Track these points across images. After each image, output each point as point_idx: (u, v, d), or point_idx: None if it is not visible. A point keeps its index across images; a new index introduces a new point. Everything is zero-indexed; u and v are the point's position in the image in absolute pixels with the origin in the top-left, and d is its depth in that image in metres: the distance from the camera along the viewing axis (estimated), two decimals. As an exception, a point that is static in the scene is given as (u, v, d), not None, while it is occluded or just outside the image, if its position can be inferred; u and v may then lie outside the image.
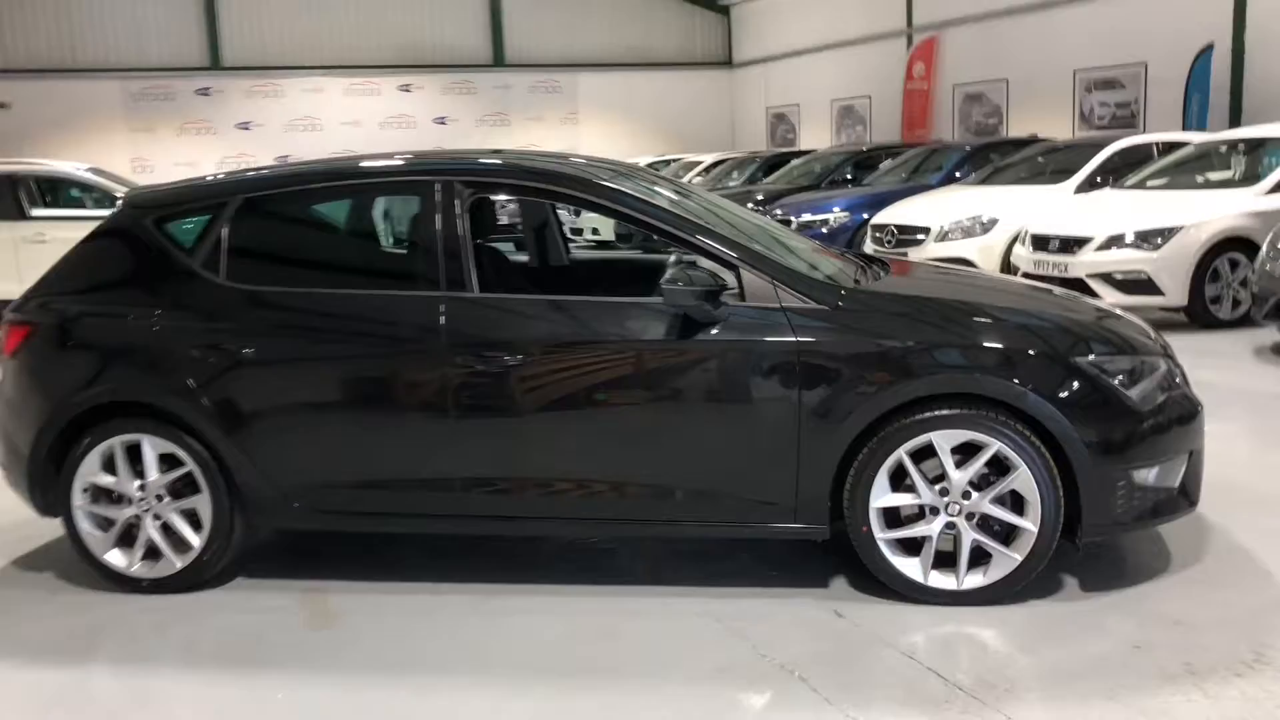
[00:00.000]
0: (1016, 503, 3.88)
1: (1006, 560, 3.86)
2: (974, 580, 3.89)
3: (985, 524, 3.91)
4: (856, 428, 3.83)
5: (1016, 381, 3.78)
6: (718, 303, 3.87)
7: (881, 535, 3.91)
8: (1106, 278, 9.09)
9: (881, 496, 3.88)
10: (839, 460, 3.87)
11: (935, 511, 3.88)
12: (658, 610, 3.97)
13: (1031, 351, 3.83)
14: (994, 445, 3.80)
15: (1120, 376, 3.87)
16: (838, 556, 4.09)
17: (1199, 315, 8.98)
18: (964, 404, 3.81)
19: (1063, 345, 3.88)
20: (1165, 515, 3.97)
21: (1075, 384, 3.81)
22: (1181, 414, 3.98)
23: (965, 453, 3.87)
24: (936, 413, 3.81)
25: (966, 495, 3.84)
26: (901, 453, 3.84)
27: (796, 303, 3.91)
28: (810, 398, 3.84)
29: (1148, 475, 3.88)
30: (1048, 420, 3.77)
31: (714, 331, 3.88)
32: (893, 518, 3.96)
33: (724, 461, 3.94)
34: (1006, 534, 3.92)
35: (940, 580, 3.91)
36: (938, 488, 3.87)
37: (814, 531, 3.96)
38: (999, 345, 3.84)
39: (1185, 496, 4.03)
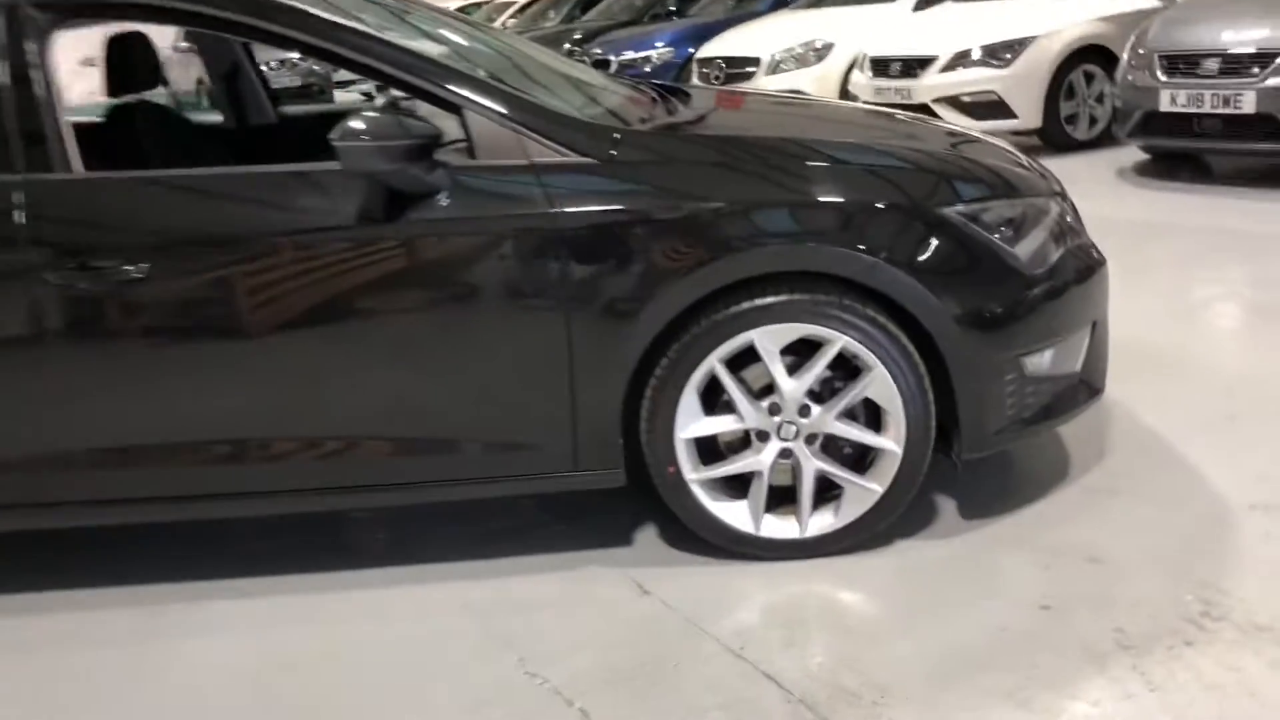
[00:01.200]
0: (873, 415, 2.83)
1: (863, 493, 2.83)
2: (822, 523, 2.86)
3: (833, 447, 2.87)
4: (649, 332, 2.70)
5: (863, 249, 2.68)
6: (430, 163, 2.62)
7: (694, 475, 2.82)
8: (953, 101, 8.12)
9: (691, 423, 2.78)
10: (629, 378, 2.74)
11: (764, 437, 2.81)
12: (397, 608, 2.83)
13: (881, 204, 2.73)
14: (837, 340, 2.72)
15: (1001, 229, 2.81)
16: (645, 502, 3.00)
17: (1054, 137, 8.10)
18: (794, 286, 2.71)
19: (922, 192, 2.78)
20: (1065, 412, 2.98)
21: (941, 245, 2.72)
22: (1080, 273, 2.95)
23: (800, 354, 2.79)
24: (757, 302, 2.70)
25: (805, 411, 2.78)
26: (714, 361, 2.73)
27: (552, 157, 2.70)
28: (580, 293, 2.68)
29: (1042, 360, 2.87)
30: (908, 299, 2.70)
31: (430, 207, 2.66)
32: (711, 449, 2.88)
33: (462, 396, 2.76)
34: (861, 458, 2.89)
35: (778, 527, 2.87)
36: (766, 404, 2.79)
37: (603, 478, 2.84)
38: (839, 199, 2.73)
39: (1087, 384, 3.05)
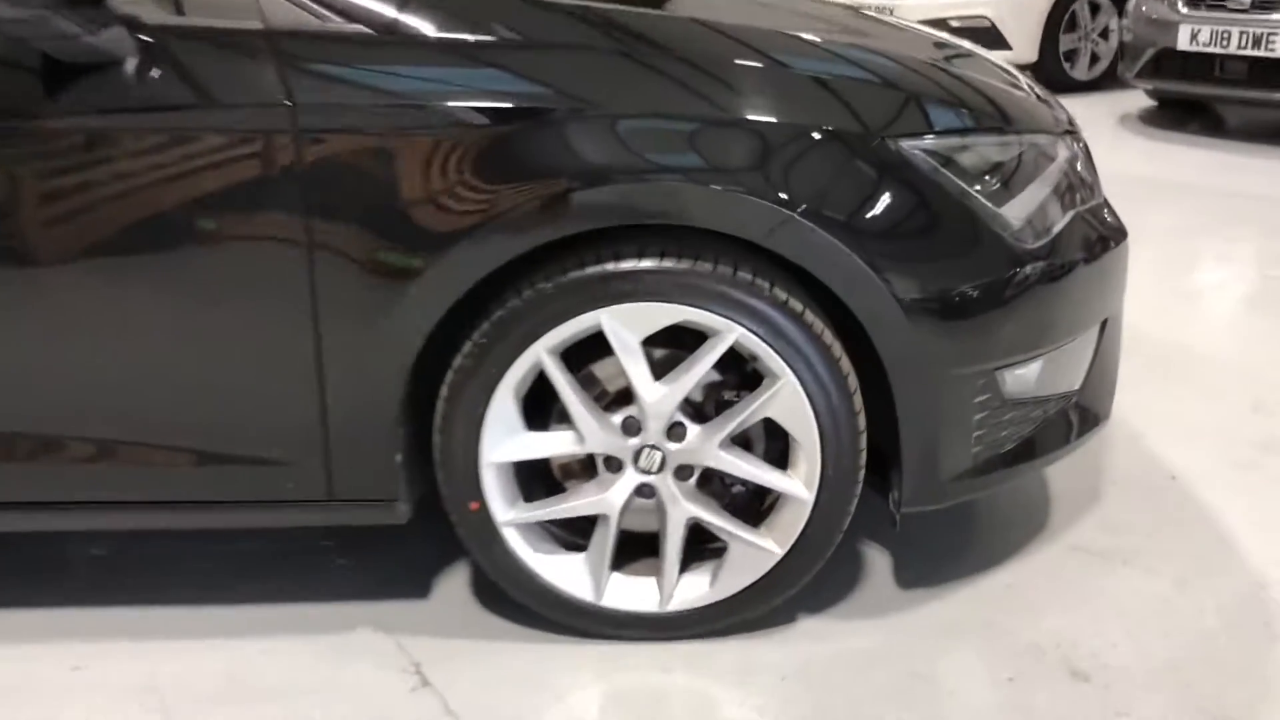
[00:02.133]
0: (776, 445, 1.94)
1: (755, 554, 1.93)
2: (693, 592, 1.96)
3: (716, 486, 1.98)
4: (439, 302, 1.77)
5: (774, 196, 1.75)
6: (93, 14, 1.65)
7: (508, 515, 1.92)
8: (940, 25, 7.09)
9: (504, 440, 1.87)
10: (409, 370, 1.82)
11: (616, 466, 1.91)
12: (51, 684, 1.92)
13: (814, 130, 1.80)
14: (728, 333, 1.80)
15: (984, 179, 1.89)
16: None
17: (1050, 74, 7.16)
18: (668, 248, 1.79)
19: (878, 116, 1.84)
20: (1054, 449, 2.07)
21: (894, 197, 1.80)
22: (1092, 249, 2.03)
23: (674, 347, 1.88)
24: (609, 268, 1.77)
25: (677, 433, 1.87)
26: (540, 352, 1.81)
27: (304, 20, 1.74)
28: (331, 238, 1.74)
29: (1027, 375, 1.96)
30: (836, 276, 1.78)
31: (101, 88, 1.69)
32: (542, 479, 1.98)
33: (154, 382, 1.83)
34: (756, 503, 2.00)
35: (629, 595, 1.97)
36: (619, 419, 1.88)
37: (371, 513, 1.93)
38: (755, 117, 1.79)
39: (1085, 410, 2.15)
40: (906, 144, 1.80)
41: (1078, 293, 1.98)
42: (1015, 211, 1.89)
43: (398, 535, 2.21)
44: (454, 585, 2.15)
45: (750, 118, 1.77)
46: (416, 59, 1.75)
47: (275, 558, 2.27)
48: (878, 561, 2.20)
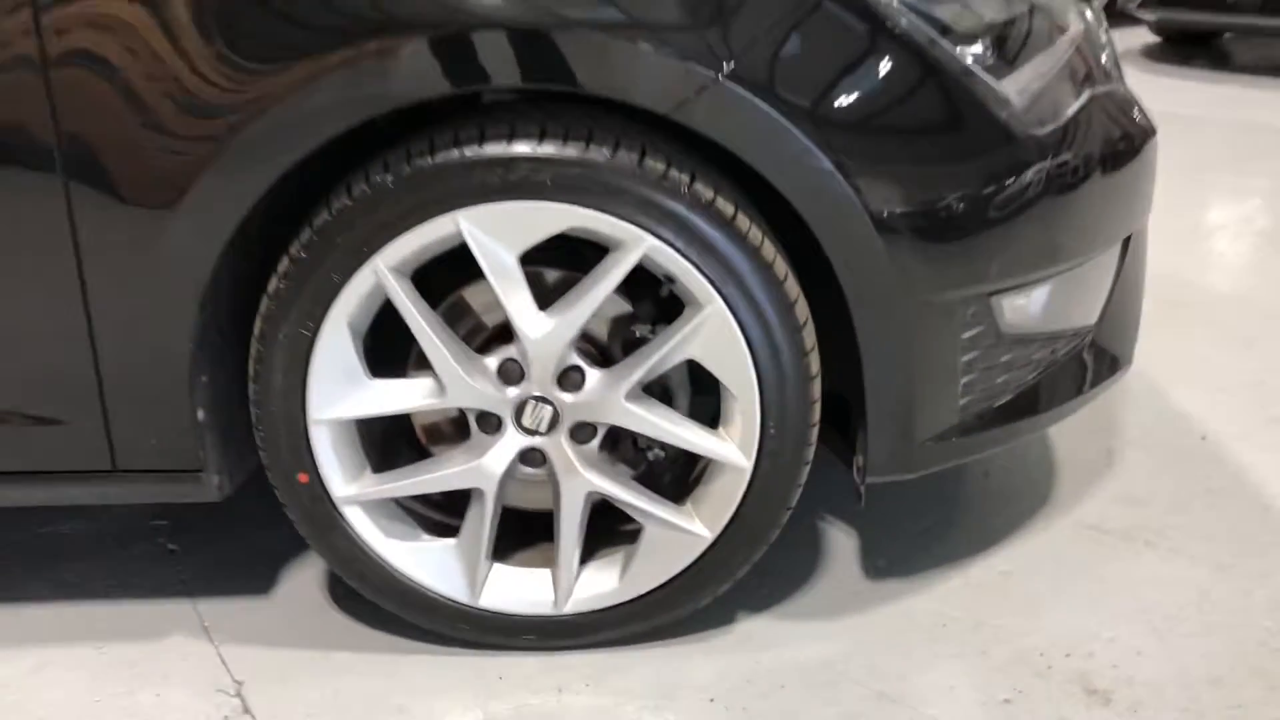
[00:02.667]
0: (706, 400, 1.49)
1: (677, 538, 1.48)
2: (597, 587, 1.50)
3: (626, 450, 1.52)
4: (233, 212, 1.30)
5: (706, 52, 1.27)
6: None
7: (348, 490, 1.46)
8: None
9: (338, 390, 1.40)
10: (200, 297, 1.35)
11: (494, 424, 1.44)
12: None
13: None
14: (635, 244, 1.33)
15: (979, 44, 1.41)
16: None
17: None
18: (550, 126, 1.31)
19: None
20: (1063, 401, 1.61)
21: (862, 63, 1.33)
22: (1113, 146, 1.56)
23: (566, 265, 1.43)
24: (474, 152, 1.30)
25: (571, 380, 1.41)
26: (379, 267, 1.34)
27: None
28: (83, 128, 1.27)
29: (1030, 305, 1.50)
30: (779, 168, 1.31)
31: None
32: (395, 445, 1.53)
33: None
34: (680, 473, 1.55)
35: (514, 593, 1.51)
36: (494, 362, 1.42)
37: (164, 488, 1.46)
38: None
39: (1103, 351, 1.69)
40: (872, -11, 1.33)
41: (1095, 198, 1.51)
42: (1017, 87, 1.42)
43: (249, 517, 1.76)
44: (306, 580, 1.70)
45: None
46: None
47: (92, 541, 1.81)
48: (838, 545, 1.75)
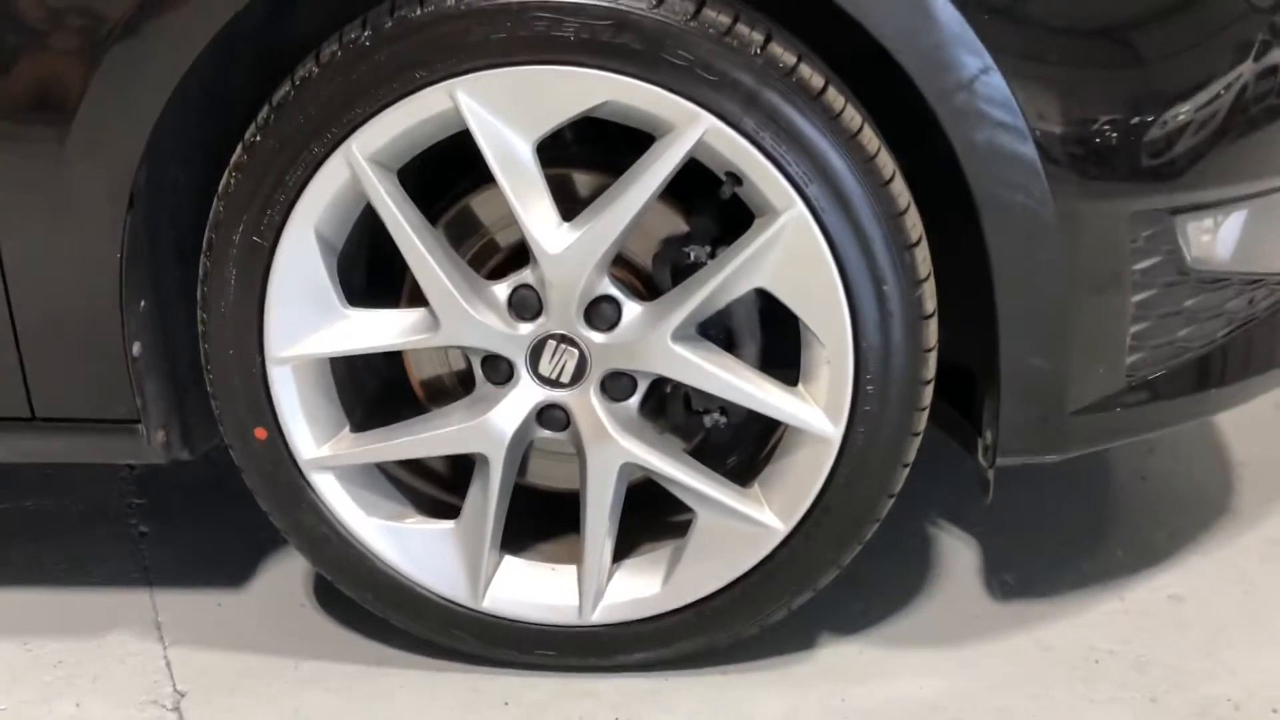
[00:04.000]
0: (779, 349, 1.13)
1: (740, 533, 1.12)
2: (634, 592, 1.16)
3: (674, 412, 1.17)
4: (160, 83, 1.00)
5: None
6: None
7: (319, 452, 1.13)
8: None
9: (306, 319, 1.09)
10: (127, 199, 1.05)
11: (504, 371, 1.11)
12: None
13: None
14: (692, 127, 0.98)
15: None
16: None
17: None
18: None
19: None
20: (1258, 369, 1.22)
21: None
22: None
23: (602, 167, 1.10)
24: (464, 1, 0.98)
25: (604, 313, 1.06)
26: (355, 156, 1.02)
27: None
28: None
29: (1227, 234, 1.12)
30: (906, 46, 0.96)
31: None
32: (386, 399, 1.21)
33: None
34: (748, 446, 1.20)
35: (528, 594, 1.18)
36: (505, 288, 1.08)
37: (103, 443, 1.16)
38: None
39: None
40: None
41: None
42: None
43: (242, 496, 1.46)
44: (288, 574, 1.39)
45: None
46: None
47: (53, 519, 1.53)
48: (954, 555, 1.38)
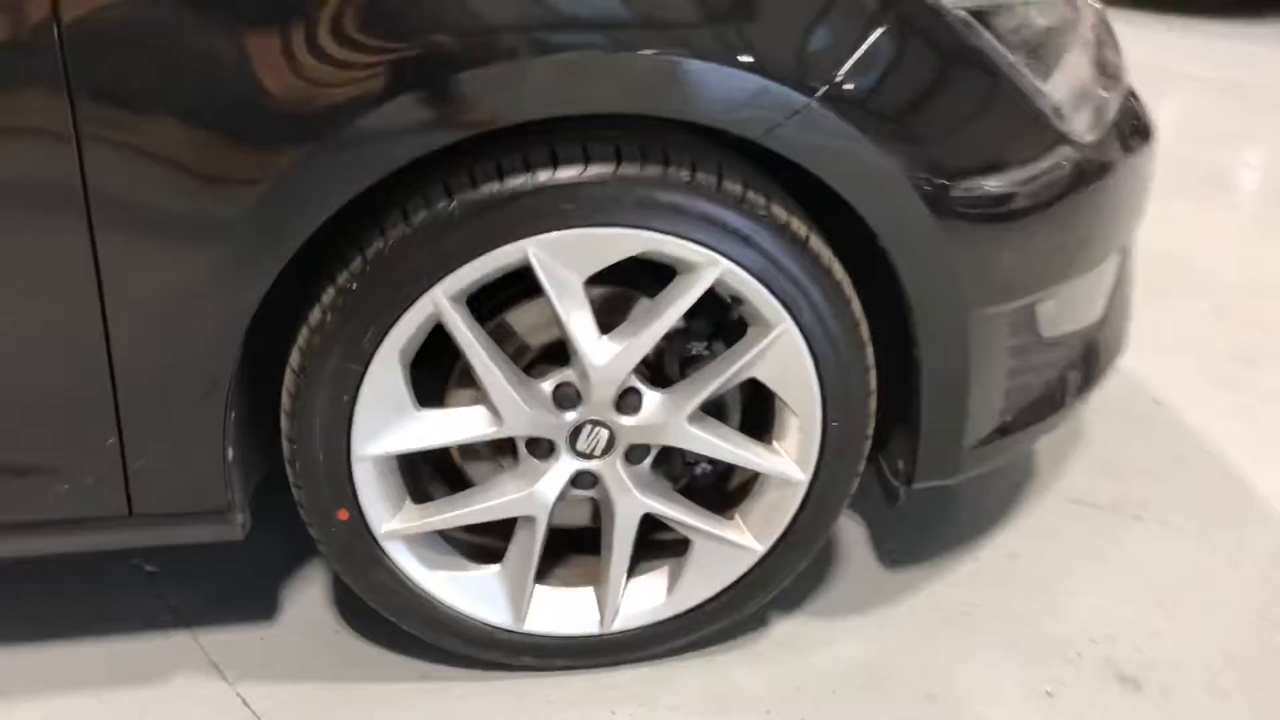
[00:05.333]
0: (756, 412, 1.45)
1: (728, 553, 1.46)
2: (644, 603, 1.48)
3: (670, 464, 1.48)
4: (291, 237, 1.17)
5: (801, 77, 1.20)
6: None
7: (392, 525, 1.37)
8: None
9: (387, 424, 1.31)
10: (243, 333, 1.23)
11: (546, 449, 1.37)
12: None
13: None
14: (710, 268, 1.28)
15: (1021, 42, 1.38)
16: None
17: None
18: (625, 147, 1.23)
19: None
20: (1078, 394, 1.64)
21: (927, 71, 1.28)
22: (1131, 144, 1.56)
23: (616, 283, 1.37)
24: (548, 176, 1.20)
25: (630, 401, 1.35)
26: (438, 298, 1.24)
27: None
28: (109, 133, 1.11)
29: (1059, 309, 1.51)
30: (860, 185, 1.26)
31: None
32: (420, 463, 1.45)
33: None
34: (719, 485, 1.53)
35: (557, 614, 1.47)
36: (549, 384, 1.34)
37: (189, 530, 1.35)
38: None
39: (1100, 346, 1.70)
40: (940, -4, 1.29)
41: (1124, 196, 1.54)
42: (1060, 90, 1.41)
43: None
44: (310, 602, 1.60)
45: None
46: None
47: (51, 566, 1.66)
48: (851, 534, 1.77)
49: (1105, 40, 1.62)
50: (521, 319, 1.37)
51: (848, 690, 1.48)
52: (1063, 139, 1.38)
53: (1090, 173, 1.42)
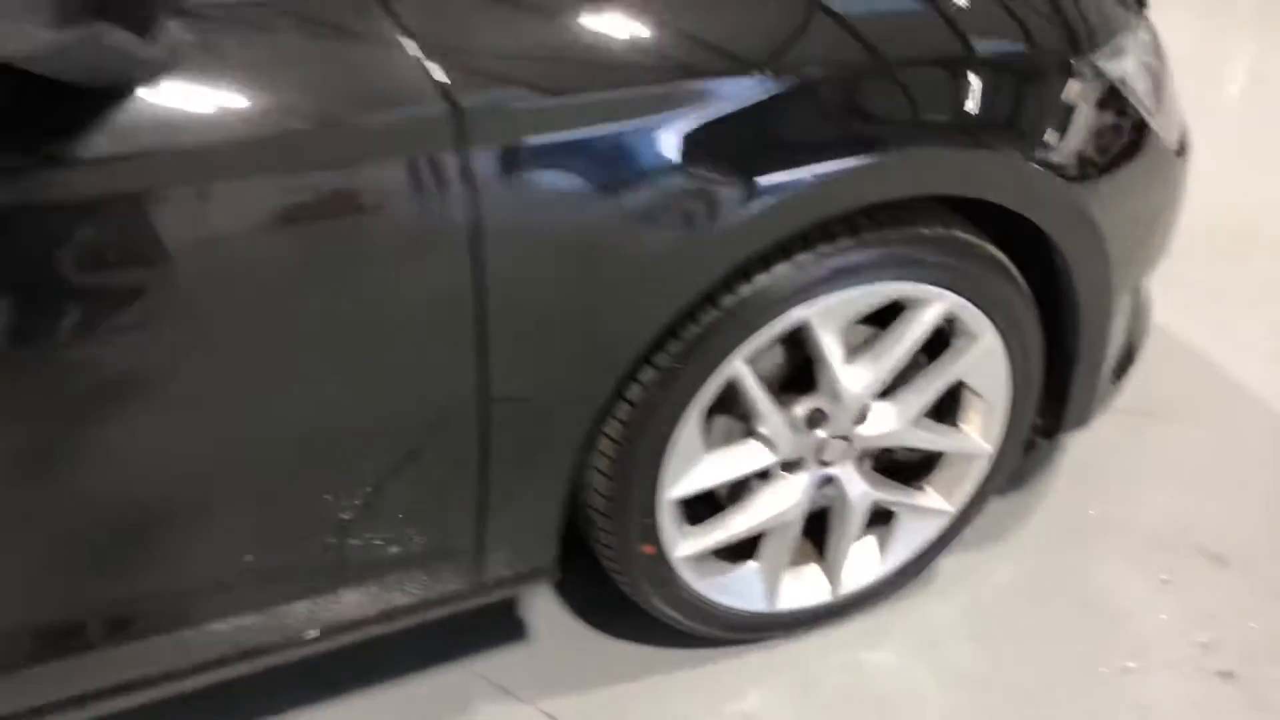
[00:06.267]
0: (948, 404, 1.73)
1: (928, 517, 1.77)
2: (864, 571, 1.77)
3: (882, 460, 1.75)
4: (649, 325, 1.36)
5: (1037, 149, 1.47)
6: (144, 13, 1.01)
7: (684, 550, 1.60)
8: None
9: (687, 471, 1.52)
10: (594, 416, 1.41)
11: (795, 465, 1.62)
12: None
13: (1048, 60, 1.50)
14: (939, 301, 1.54)
15: (1134, 84, 1.67)
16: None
17: None
18: (880, 215, 1.46)
19: (1068, 29, 1.54)
20: (1144, 335, 2.02)
21: (1097, 122, 1.57)
22: (1185, 147, 1.88)
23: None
24: (840, 258, 1.42)
25: (861, 417, 1.61)
26: (737, 365, 1.46)
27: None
28: (513, 274, 1.24)
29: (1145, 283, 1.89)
30: (1056, 220, 1.54)
31: (139, 113, 1.05)
32: (700, 501, 1.65)
33: (279, 486, 1.29)
34: (917, 464, 1.81)
35: (798, 591, 1.75)
36: (801, 409, 1.58)
37: (525, 585, 1.54)
38: (1005, 50, 1.47)
39: (1146, 297, 2.08)
40: (1098, 60, 1.56)
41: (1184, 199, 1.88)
42: (1162, 122, 1.71)
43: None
44: (552, 613, 1.80)
45: (995, 51, 1.44)
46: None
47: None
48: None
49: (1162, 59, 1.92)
50: (760, 366, 1.59)
51: (1017, 601, 1.83)
52: (1171, 157, 1.70)
53: (1180, 182, 1.76)
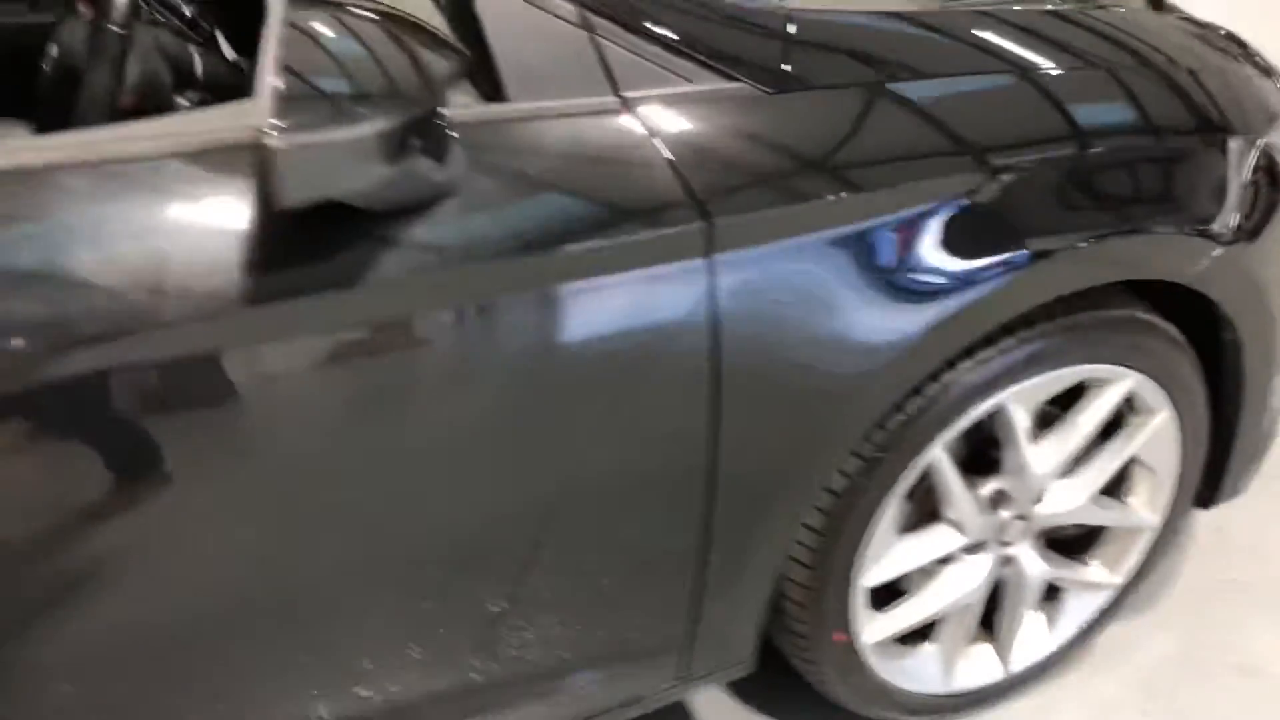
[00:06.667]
0: (1115, 478, 1.74)
1: (1095, 591, 1.77)
2: (1034, 647, 1.77)
3: (1054, 536, 1.76)
4: (868, 415, 1.37)
5: (1217, 228, 1.49)
6: (436, 139, 1.02)
7: (872, 636, 1.59)
8: None
9: (881, 557, 1.52)
10: (803, 509, 1.41)
11: (979, 547, 1.62)
12: None
13: (1233, 142, 1.53)
14: (1122, 380, 1.55)
15: None
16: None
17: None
18: (1071, 307, 1.46)
19: (1238, 112, 1.57)
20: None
21: (1266, 201, 1.60)
22: None
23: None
24: (1037, 344, 1.44)
25: (1042, 494, 1.62)
26: (937, 452, 1.46)
27: (692, 84, 1.20)
28: (753, 375, 1.25)
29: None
30: (1234, 298, 1.57)
31: (436, 228, 1.06)
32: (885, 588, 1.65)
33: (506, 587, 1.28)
34: (1083, 538, 1.81)
35: (971, 670, 1.74)
36: (986, 491, 1.59)
37: (720, 675, 1.54)
38: (1195, 132, 1.51)
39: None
40: (1264, 141, 1.59)
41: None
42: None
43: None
44: (713, 697, 1.79)
45: (1190, 133, 1.47)
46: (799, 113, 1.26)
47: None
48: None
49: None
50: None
51: (1180, 676, 1.83)
52: None
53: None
